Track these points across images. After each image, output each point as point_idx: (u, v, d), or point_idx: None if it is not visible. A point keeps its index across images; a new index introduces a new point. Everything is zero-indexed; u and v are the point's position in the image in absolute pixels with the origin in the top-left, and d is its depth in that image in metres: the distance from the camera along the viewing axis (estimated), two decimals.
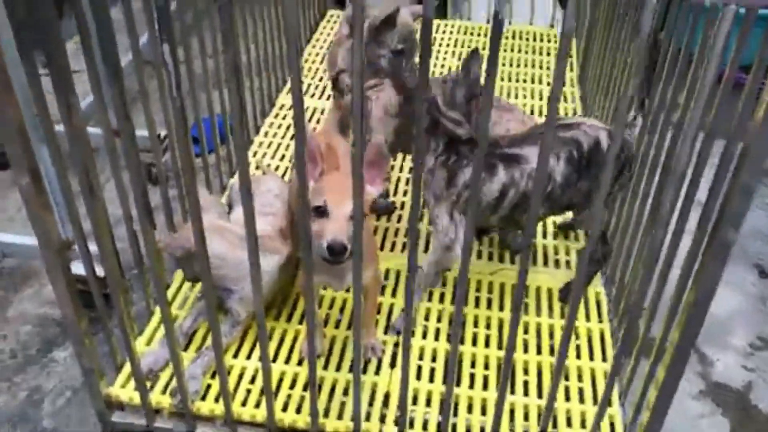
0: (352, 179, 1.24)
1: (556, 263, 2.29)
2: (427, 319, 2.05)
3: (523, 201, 1.84)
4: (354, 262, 1.36)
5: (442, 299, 2.12)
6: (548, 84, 3.33)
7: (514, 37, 3.70)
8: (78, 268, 1.61)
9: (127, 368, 1.83)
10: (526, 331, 2.02)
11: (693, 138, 1.31)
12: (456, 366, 1.55)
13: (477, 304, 2.10)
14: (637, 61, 2.01)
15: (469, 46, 3.51)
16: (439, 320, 2.05)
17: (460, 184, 1.82)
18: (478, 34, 3.70)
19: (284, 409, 1.77)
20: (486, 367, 1.92)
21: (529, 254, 1.37)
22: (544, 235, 2.41)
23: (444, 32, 3.77)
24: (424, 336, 1.99)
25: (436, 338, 1.99)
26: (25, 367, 2.38)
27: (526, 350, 1.96)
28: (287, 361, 1.91)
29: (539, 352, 1.96)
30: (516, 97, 3.20)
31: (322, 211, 1.48)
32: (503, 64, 3.46)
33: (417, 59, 2.29)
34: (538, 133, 1.88)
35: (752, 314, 2.67)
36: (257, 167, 2.65)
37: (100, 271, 1.62)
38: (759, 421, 2.30)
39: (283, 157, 2.77)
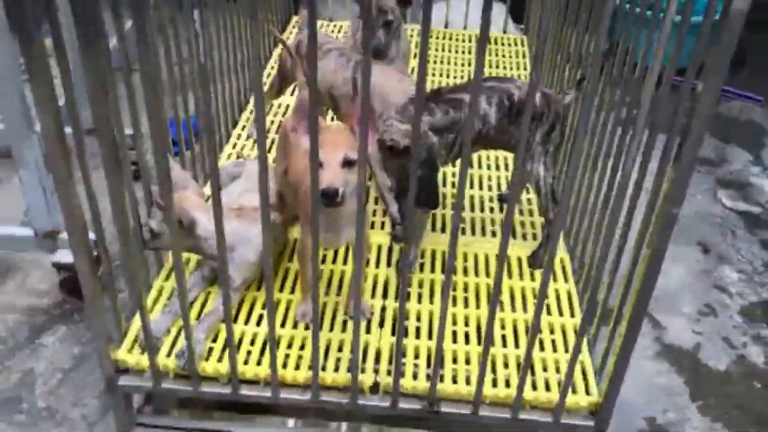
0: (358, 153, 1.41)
1: (524, 236, 2.48)
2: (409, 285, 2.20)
3: None
4: (358, 210, 1.51)
5: (422, 269, 2.28)
6: None
7: (470, 40, 3.93)
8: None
9: (132, 334, 1.93)
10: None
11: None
12: (445, 321, 1.70)
13: (454, 272, 2.27)
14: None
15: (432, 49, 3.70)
16: (420, 286, 2.21)
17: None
18: (437, 37, 3.93)
19: (284, 366, 1.89)
20: (466, 324, 2.08)
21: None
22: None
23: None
24: (408, 299, 2.14)
25: (419, 301, 2.15)
26: (15, 352, 2.43)
27: (502, 309, 2.14)
28: (282, 325, 2.03)
29: (514, 310, 2.14)
30: None
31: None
32: (462, 64, 3.68)
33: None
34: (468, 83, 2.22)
35: (698, 286, 2.93)
36: (238, 157, 2.77)
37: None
38: (708, 377, 2.53)
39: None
